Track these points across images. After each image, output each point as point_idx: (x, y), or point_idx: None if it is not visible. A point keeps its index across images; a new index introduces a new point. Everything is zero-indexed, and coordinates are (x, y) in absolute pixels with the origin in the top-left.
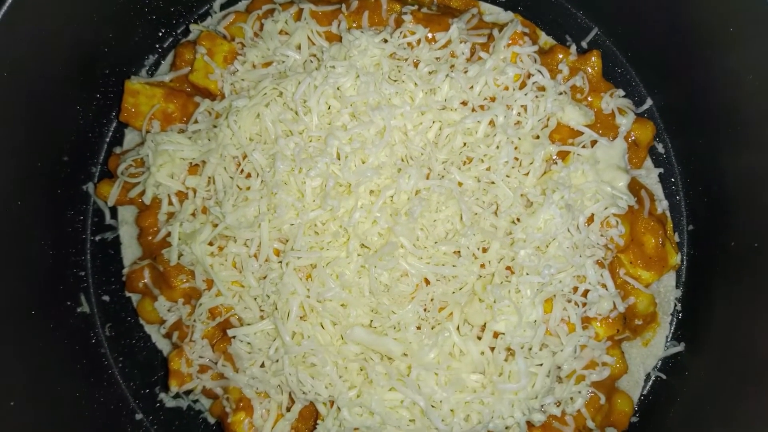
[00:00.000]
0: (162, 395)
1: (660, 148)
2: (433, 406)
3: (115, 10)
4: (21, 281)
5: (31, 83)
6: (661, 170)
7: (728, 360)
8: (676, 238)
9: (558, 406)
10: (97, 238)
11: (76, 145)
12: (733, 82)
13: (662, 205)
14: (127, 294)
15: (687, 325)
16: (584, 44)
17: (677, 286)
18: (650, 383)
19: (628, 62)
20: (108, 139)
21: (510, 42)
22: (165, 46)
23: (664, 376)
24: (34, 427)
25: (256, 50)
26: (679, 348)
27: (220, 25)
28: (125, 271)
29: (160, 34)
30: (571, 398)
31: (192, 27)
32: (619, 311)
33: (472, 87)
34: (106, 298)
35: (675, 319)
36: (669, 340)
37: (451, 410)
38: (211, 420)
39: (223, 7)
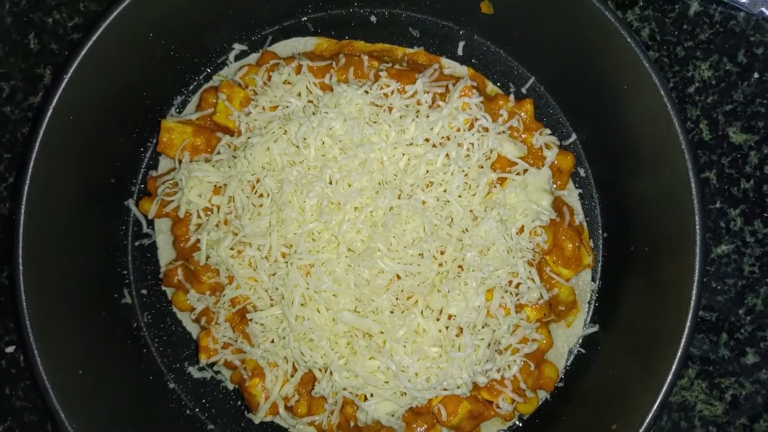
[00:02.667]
0: (190, 369)
1: (582, 172)
2: (402, 371)
3: (153, 63)
4: (78, 279)
5: (89, 123)
6: (581, 191)
7: (630, 336)
8: (592, 244)
9: (498, 372)
10: (137, 243)
11: (120, 169)
12: (632, 126)
13: (579, 217)
14: (164, 288)
15: (601, 311)
16: (524, 90)
17: (593, 280)
18: (572, 356)
19: (558, 104)
20: (144, 165)
21: (461, 94)
22: (190, 89)
23: (583, 351)
24: (93, 389)
25: (265, 97)
26: (595, 329)
27: (236, 75)
28: (163, 269)
29: (186, 79)
30: (509, 366)
31: (215, 77)
32: (545, 299)
33: (432, 128)
34: (144, 291)
35: (592, 307)
36: (587, 322)
37: (416, 373)
38: (230, 387)
39: (237, 58)
